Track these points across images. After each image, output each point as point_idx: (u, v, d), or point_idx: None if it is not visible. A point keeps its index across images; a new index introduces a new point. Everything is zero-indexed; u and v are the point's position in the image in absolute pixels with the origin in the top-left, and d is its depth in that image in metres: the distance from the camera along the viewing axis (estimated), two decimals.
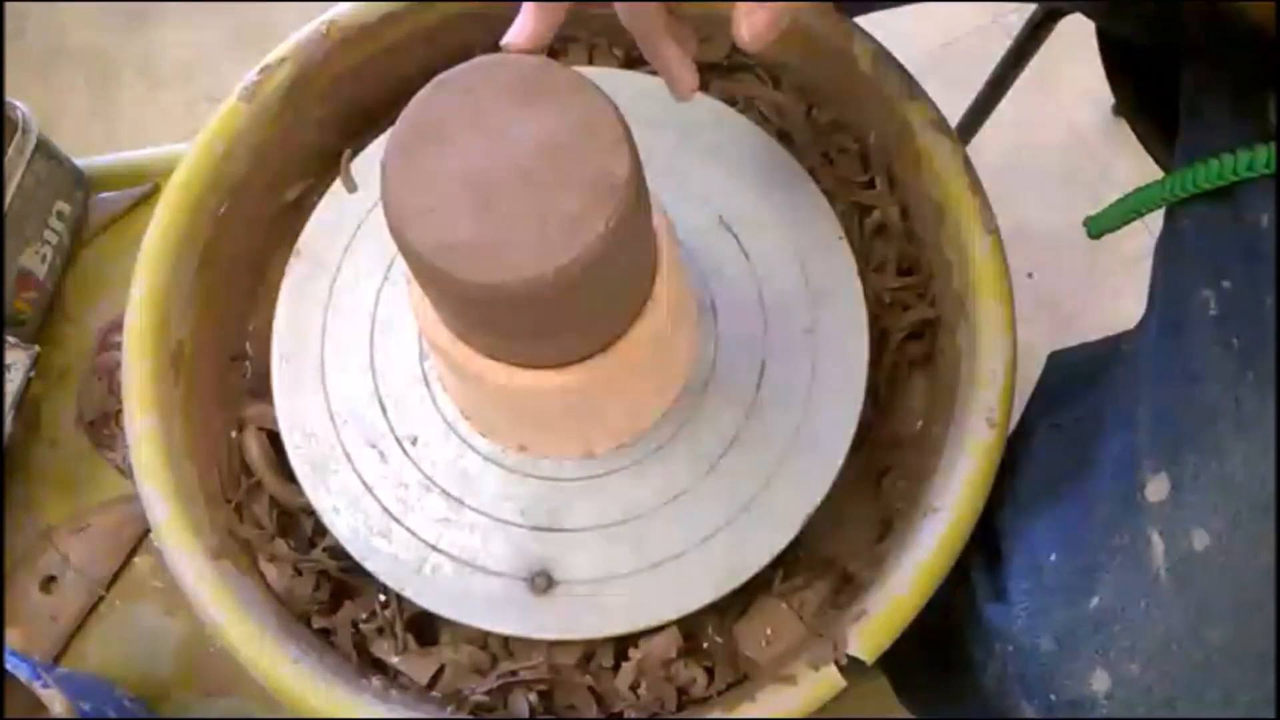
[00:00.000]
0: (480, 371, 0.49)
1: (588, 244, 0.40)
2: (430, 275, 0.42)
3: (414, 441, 0.58)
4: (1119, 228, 0.54)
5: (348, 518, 0.57)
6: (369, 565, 0.56)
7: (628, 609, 0.55)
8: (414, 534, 0.56)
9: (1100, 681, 0.46)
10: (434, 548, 0.56)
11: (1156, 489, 0.46)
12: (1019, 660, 0.49)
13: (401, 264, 0.60)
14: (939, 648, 0.56)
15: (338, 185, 0.62)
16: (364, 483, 0.57)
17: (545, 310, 0.42)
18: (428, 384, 0.58)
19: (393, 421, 0.58)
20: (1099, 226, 0.55)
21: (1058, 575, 0.49)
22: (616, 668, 0.57)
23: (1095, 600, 0.47)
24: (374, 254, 0.61)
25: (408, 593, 0.56)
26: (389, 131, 0.43)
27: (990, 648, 0.51)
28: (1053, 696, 0.47)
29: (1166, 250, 0.53)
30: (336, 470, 0.58)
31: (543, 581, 0.55)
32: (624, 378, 0.50)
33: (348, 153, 0.62)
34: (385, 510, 0.57)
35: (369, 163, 0.62)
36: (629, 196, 0.41)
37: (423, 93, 0.43)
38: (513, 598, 0.55)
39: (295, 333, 0.60)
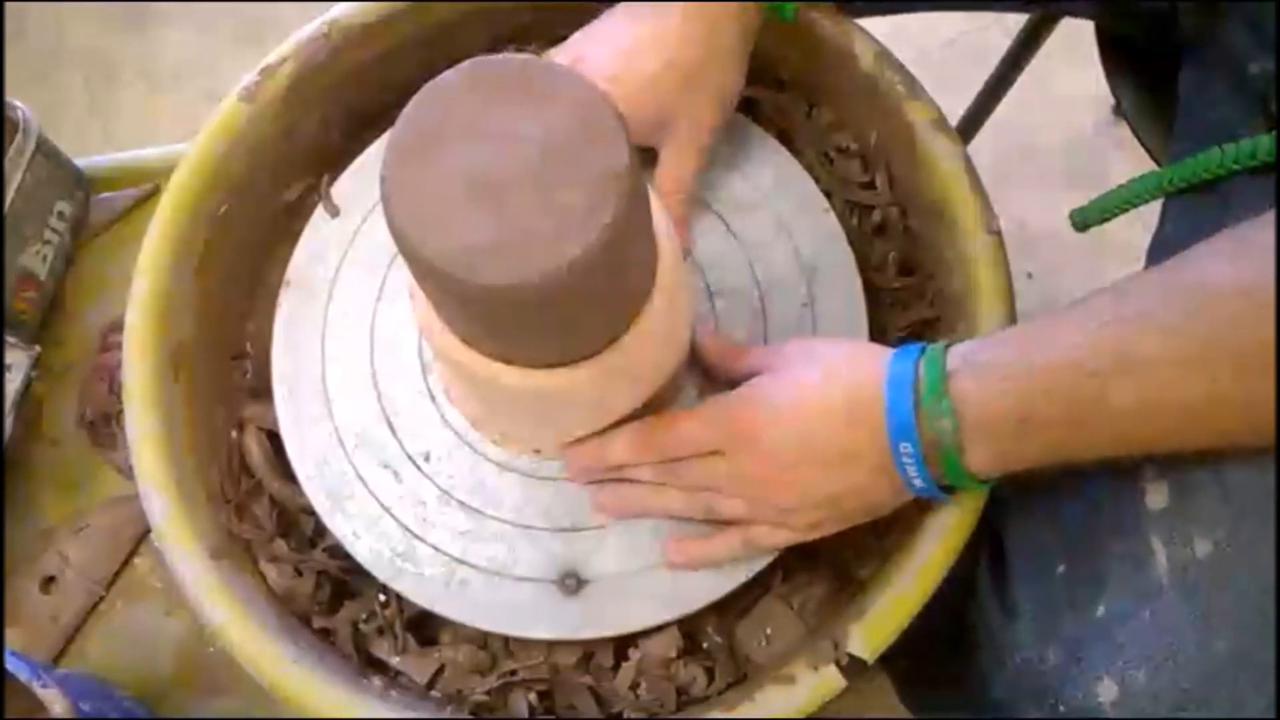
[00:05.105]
0: (493, 376, 0.48)
1: (596, 236, 0.40)
2: (440, 282, 0.41)
3: (426, 458, 0.58)
4: (1107, 220, 0.54)
5: (369, 541, 0.56)
6: (397, 586, 0.56)
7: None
8: (438, 550, 0.56)
9: (1107, 691, 0.45)
10: (460, 561, 0.56)
11: (1157, 496, 0.46)
12: (1026, 670, 0.48)
13: (394, 282, 0.60)
14: (945, 658, 0.56)
15: (319, 212, 0.62)
16: (381, 505, 0.57)
17: (557, 307, 0.42)
18: (433, 399, 0.58)
19: (403, 440, 0.58)
20: (1084, 218, 0.55)
21: (1063, 585, 0.49)
22: (616, 668, 0.57)
23: (1101, 609, 0.46)
24: (366, 274, 0.61)
25: (439, 609, 0.55)
26: (383, 138, 0.42)
27: (997, 658, 0.50)
28: (1061, 707, 0.47)
29: (1160, 251, 0.53)
30: (352, 495, 0.57)
31: (573, 582, 0.55)
32: (634, 369, 0.50)
33: (326, 178, 0.62)
34: (406, 530, 0.56)
35: (345, 185, 0.62)
36: (631, 187, 0.41)
37: (419, 96, 0.42)
38: (543, 602, 0.55)
39: (295, 361, 0.60)
